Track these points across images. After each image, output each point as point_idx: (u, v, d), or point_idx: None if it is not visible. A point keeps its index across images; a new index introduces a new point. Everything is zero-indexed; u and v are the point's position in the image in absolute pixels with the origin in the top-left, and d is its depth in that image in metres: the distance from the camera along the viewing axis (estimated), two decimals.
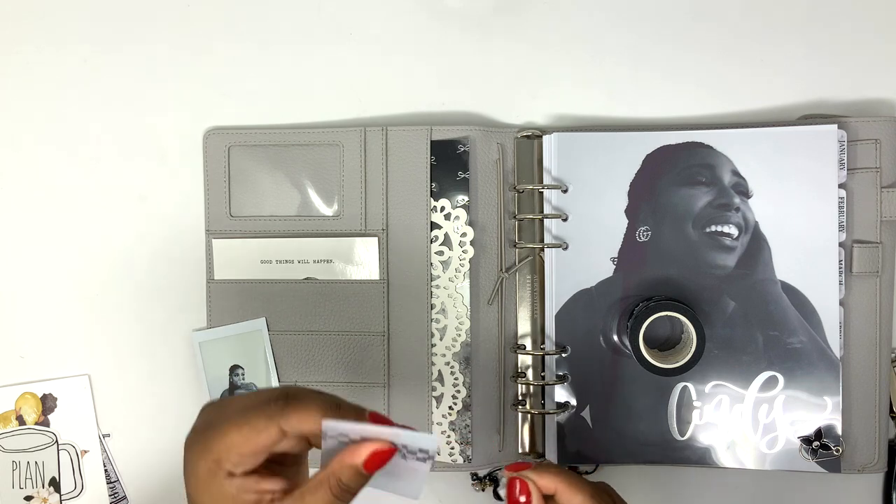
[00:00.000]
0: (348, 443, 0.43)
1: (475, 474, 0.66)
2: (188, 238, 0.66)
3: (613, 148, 0.62)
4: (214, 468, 0.42)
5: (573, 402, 0.62)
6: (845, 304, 0.61)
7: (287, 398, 0.43)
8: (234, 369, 0.64)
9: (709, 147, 0.61)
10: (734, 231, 0.61)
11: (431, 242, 0.63)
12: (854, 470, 0.62)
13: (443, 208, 0.63)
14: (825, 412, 0.61)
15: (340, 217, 0.64)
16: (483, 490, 0.65)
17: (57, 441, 0.66)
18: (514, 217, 0.64)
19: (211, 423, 0.44)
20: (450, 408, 0.63)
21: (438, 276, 0.63)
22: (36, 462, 0.66)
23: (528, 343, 0.64)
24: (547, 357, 0.63)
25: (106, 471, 0.66)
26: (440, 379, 0.63)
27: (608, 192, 0.62)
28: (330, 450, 0.43)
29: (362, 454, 0.43)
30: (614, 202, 0.62)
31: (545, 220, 0.63)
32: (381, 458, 0.43)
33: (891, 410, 0.63)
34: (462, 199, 0.63)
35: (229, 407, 0.44)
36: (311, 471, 0.46)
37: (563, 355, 0.62)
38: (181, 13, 0.67)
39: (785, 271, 0.61)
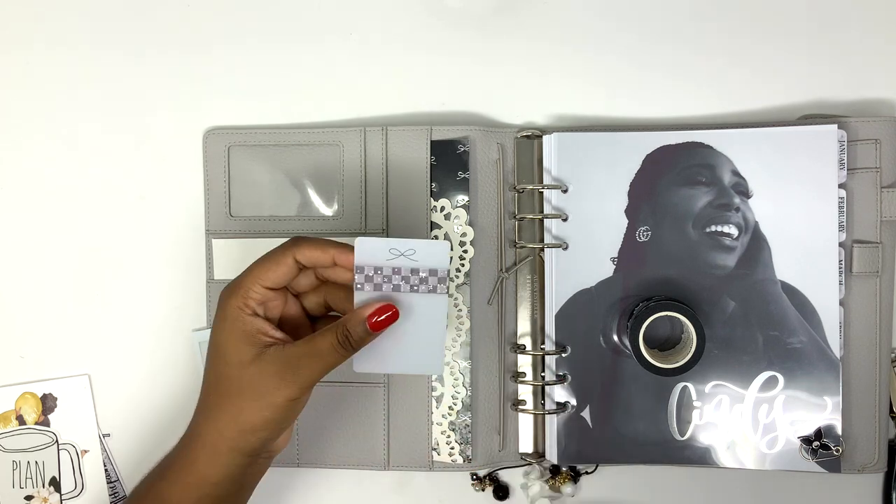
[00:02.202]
0: (371, 288, 0.52)
1: (475, 474, 0.66)
2: (188, 238, 0.66)
3: (613, 148, 0.62)
4: (242, 304, 0.51)
5: (573, 402, 0.62)
6: (845, 304, 0.61)
7: (298, 238, 0.52)
8: None
9: (709, 147, 0.61)
10: (734, 231, 0.61)
11: None
12: (854, 470, 0.62)
13: (443, 208, 0.63)
14: (825, 412, 0.61)
15: (340, 217, 0.64)
16: (483, 490, 0.65)
17: (57, 441, 0.66)
18: (514, 217, 0.64)
19: (242, 271, 0.53)
20: (450, 408, 0.63)
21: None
22: (36, 462, 0.66)
23: (527, 343, 0.64)
24: (547, 357, 0.63)
25: (106, 471, 0.66)
26: (440, 379, 0.63)
27: (608, 192, 0.62)
28: (360, 298, 0.52)
29: (370, 309, 0.51)
30: (614, 202, 0.62)
31: (545, 220, 0.63)
32: (386, 321, 0.51)
33: (891, 410, 0.63)
34: (462, 199, 0.63)
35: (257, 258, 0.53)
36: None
37: (563, 355, 0.62)
38: (181, 13, 0.67)
39: (785, 271, 0.61)
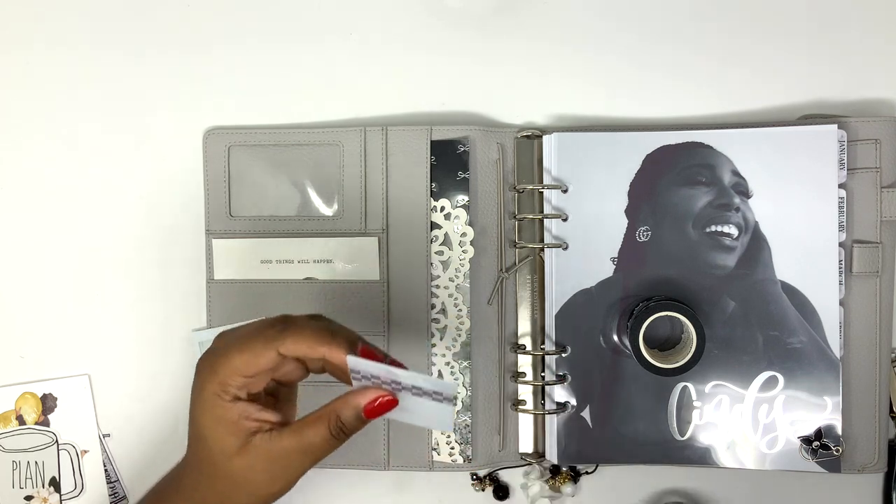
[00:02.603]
0: (370, 384, 0.46)
1: (475, 474, 0.66)
2: (188, 238, 0.66)
3: (613, 148, 0.62)
4: (220, 391, 0.46)
5: (573, 402, 0.62)
6: (845, 304, 0.61)
7: (285, 323, 0.47)
8: None
9: (709, 147, 0.61)
10: (734, 231, 0.61)
11: (431, 242, 0.63)
12: (854, 470, 0.62)
13: (443, 208, 0.63)
14: (825, 412, 0.61)
15: (340, 217, 0.64)
16: (483, 490, 0.65)
17: (57, 441, 0.66)
18: (514, 217, 0.64)
19: (217, 348, 0.48)
20: None
21: (438, 276, 0.63)
22: (36, 462, 0.66)
23: (528, 343, 0.64)
24: (547, 357, 0.63)
25: (106, 471, 0.66)
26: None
27: (608, 192, 0.62)
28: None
29: (366, 398, 0.46)
30: (614, 202, 0.62)
31: (545, 220, 0.63)
32: (382, 408, 0.46)
33: (891, 410, 0.63)
34: (462, 199, 0.63)
35: (235, 333, 0.48)
36: None
37: (563, 355, 0.62)
38: (181, 13, 0.67)
39: (785, 271, 0.61)
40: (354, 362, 0.45)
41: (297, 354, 0.46)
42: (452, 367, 0.63)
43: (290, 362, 0.47)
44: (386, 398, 0.46)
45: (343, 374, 0.47)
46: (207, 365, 0.47)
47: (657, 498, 0.63)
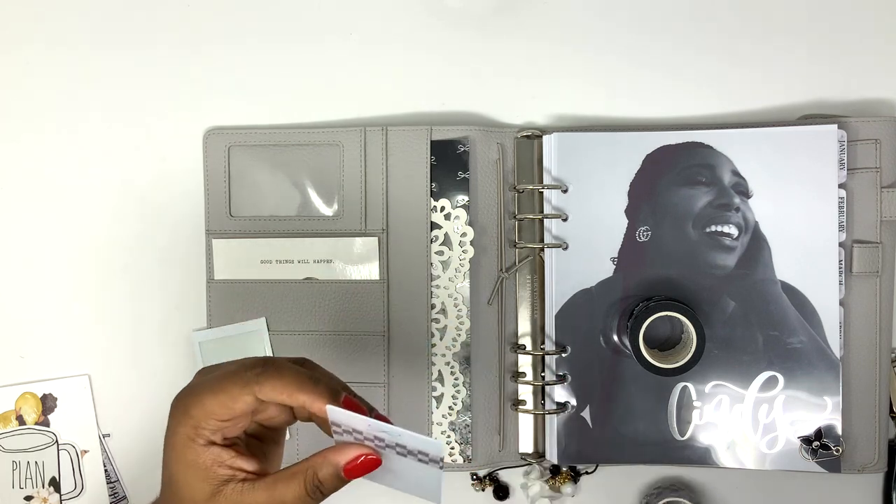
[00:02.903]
0: (352, 439, 0.42)
1: (475, 474, 0.66)
2: (188, 238, 0.66)
3: (613, 148, 0.62)
4: (193, 434, 0.43)
5: (573, 402, 0.62)
6: (845, 304, 0.61)
7: (265, 366, 0.43)
8: None
9: (709, 147, 0.61)
10: (734, 231, 0.61)
11: (431, 242, 0.63)
12: (854, 470, 0.62)
13: (443, 208, 0.63)
14: (825, 412, 0.61)
15: (340, 217, 0.64)
16: (483, 490, 0.65)
17: (57, 441, 0.66)
18: (514, 217, 0.64)
19: (193, 386, 0.44)
20: (450, 408, 0.63)
21: (438, 276, 0.63)
22: (36, 462, 0.66)
23: (528, 343, 0.64)
24: (547, 357, 0.63)
25: (106, 471, 0.66)
26: (440, 379, 0.63)
27: (608, 192, 0.62)
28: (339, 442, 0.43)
29: (346, 456, 0.42)
30: (614, 202, 0.62)
31: (545, 220, 0.63)
32: (364, 467, 0.43)
33: (891, 410, 0.63)
34: (462, 199, 0.63)
35: (213, 373, 0.44)
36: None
37: (563, 355, 0.62)
38: (181, 13, 0.67)
39: (785, 271, 0.61)
40: (334, 413, 0.41)
41: (276, 400, 0.43)
42: (452, 366, 0.63)
43: (273, 407, 0.44)
44: (369, 457, 0.43)
45: (325, 425, 0.43)
46: (181, 405, 0.44)
47: (657, 496, 0.63)
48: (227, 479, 0.43)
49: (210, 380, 0.44)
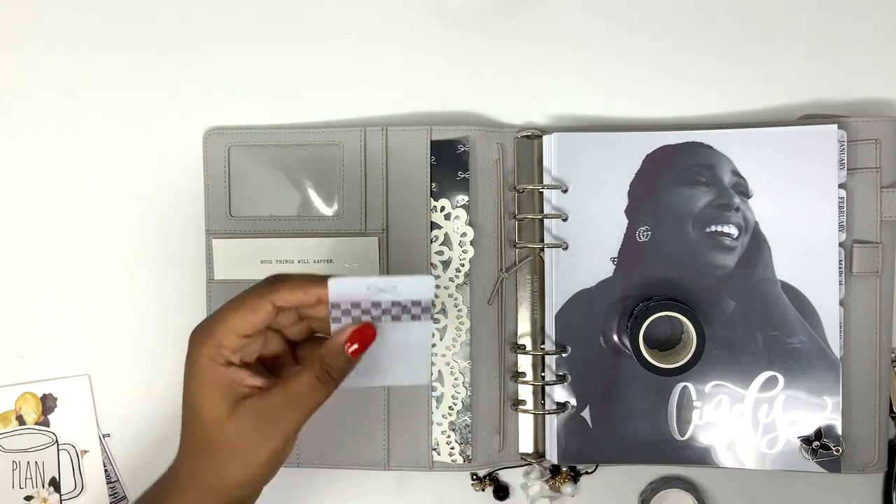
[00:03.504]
0: (350, 320, 0.47)
1: (475, 474, 0.66)
2: (188, 238, 0.66)
3: (613, 148, 0.62)
4: (215, 354, 0.46)
5: (573, 402, 0.62)
6: (845, 305, 0.61)
7: (276, 277, 0.48)
8: None
9: (709, 147, 0.61)
10: (734, 231, 0.61)
11: (431, 242, 0.63)
12: (854, 470, 0.62)
13: (443, 208, 0.63)
14: (825, 412, 0.61)
15: (340, 217, 0.64)
16: (483, 490, 0.65)
17: (57, 441, 0.66)
18: (514, 217, 0.64)
19: (212, 315, 0.48)
20: (450, 408, 0.63)
21: (438, 276, 0.63)
22: (36, 462, 0.66)
23: (528, 343, 0.64)
24: (547, 357, 0.63)
25: (106, 471, 0.66)
26: (440, 379, 0.63)
27: (608, 192, 0.62)
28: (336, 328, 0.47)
29: (344, 334, 0.47)
30: (614, 202, 0.62)
31: (545, 220, 0.63)
32: (362, 336, 0.47)
33: (891, 410, 0.63)
34: (462, 199, 0.63)
35: (229, 300, 0.48)
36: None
37: (563, 355, 0.62)
38: (181, 13, 0.67)
39: (785, 271, 0.61)
40: (336, 285, 0.46)
41: (292, 302, 0.47)
42: (452, 367, 0.63)
43: (287, 315, 0.49)
44: (363, 327, 0.47)
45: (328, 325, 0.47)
46: (203, 330, 0.47)
47: (652, 491, 0.63)
48: (245, 395, 0.47)
49: (228, 302, 0.48)
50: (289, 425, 0.47)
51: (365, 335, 0.47)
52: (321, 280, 0.47)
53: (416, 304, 0.47)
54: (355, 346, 0.47)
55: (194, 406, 0.47)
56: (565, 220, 0.62)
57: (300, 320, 0.50)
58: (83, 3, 0.67)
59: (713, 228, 0.61)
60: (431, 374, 0.51)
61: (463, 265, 0.63)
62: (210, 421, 0.46)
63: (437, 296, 0.50)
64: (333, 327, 0.47)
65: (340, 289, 0.46)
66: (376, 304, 0.47)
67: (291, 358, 0.51)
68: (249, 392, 0.47)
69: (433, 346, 0.63)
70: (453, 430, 0.63)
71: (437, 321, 0.62)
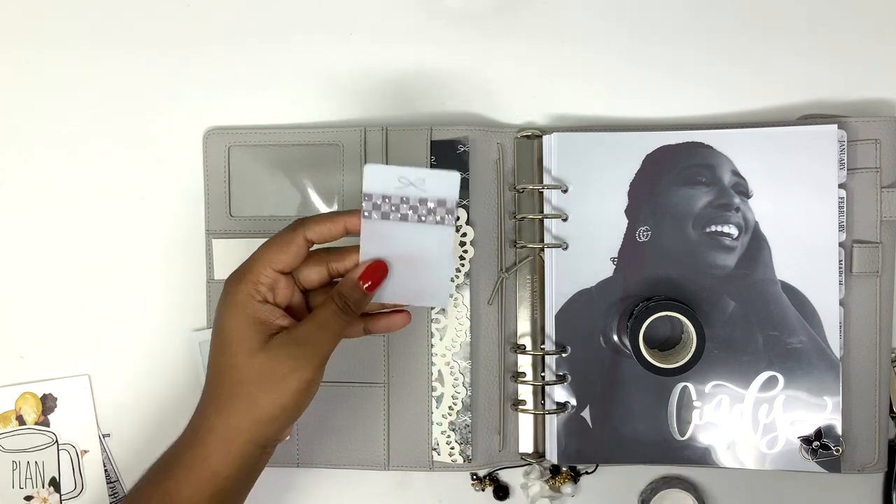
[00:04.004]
0: (378, 215, 0.50)
1: (475, 474, 0.66)
2: (188, 238, 0.66)
3: (613, 148, 0.62)
4: (253, 291, 0.50)
5: (573, 402, 0.62)
6: (845, 304, 0.61)
7: (303, 218, 0.52)
8: None
9: (709, 147, 0.61)
10: (734, 231, 0.61)
11: None
12: (854, 470, 0.62)
13: None
14: (825, 412, 0.61)
15: None
16: (483, 490, 0.65)
17: (57, 441, 0.66)
18: (514, 217, 0.64)
19: (248, 258, 0.51)
20: (450, 408, 0.63)
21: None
22: (36, 462, 0.66)
23: (528, 343, 0.64)
24: (547, 357, 0.63)
25: (106, 471, 0.66)
26: (440, 379, 0.63)
27: (608, 192, 0.62)
28: (367, 227, 0.50)
29: (357, 270, 0.50)
30: (614, 202, 0.62)
31: (545, 220, 0.63)
32: (375, 272, 0.51)
33: (891, 410, 0.63)
34: (462, 199, 0.63)
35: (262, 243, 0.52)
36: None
37: (563, 355, 0.62)
38: (181, 13, 0.67)
39: (785, 271, 0.61)
40: (371, 169, 0.49)
41: (322, 234, 0.51)
42: (452, 367, 0.63)
43: (318, 271, 0.52)
44: (375, 263, 0.51)
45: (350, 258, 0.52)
46: (237, 273, 0.51)
47: (651, 492, 0.63)
48: (276, 330, 0.50)
49: (263, 243, 0.51)
50: (319, 351, 0.49)
51: (378, 272, 0.51)
52: (346, 212, 0.51)
53: (441, 203, 0.50)
54: (368, 283, 0.50)
55: (226, 339, 0.50)
56: (565, 220, 0.62)
57: (329, 278, 0.53)
58: (83, 3, 0.67)
59: (713, 228, 0.61)
60: (451, 295, 0.55)
61: (463, 265, 0.63)
62: (242, 352, 0.49)
63: (457, 203, 0.54)
64: (363, 226, 0.50)
65: (375, 175, 0.50)
66: (405, 200, 0.50)
67: (307, 311, 0.54)
68: (279, 329, 0.50)
69: (433, 346, 0.63)
70: (453, 429, 0.63)
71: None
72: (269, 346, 0.49)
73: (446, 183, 0.50)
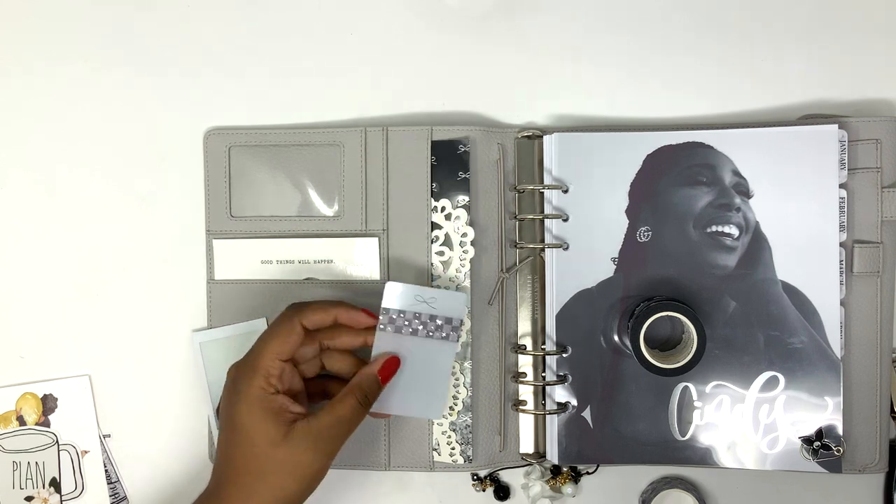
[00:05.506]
0: (392, 329, 0.57)
1: (476, 474, 0.66)
2: (188, 238, 0.66)
3: (614, 148, 0.62)
4: (266, 385, 0.53)
5: (574, 402, 0.62)
6: (846, 304, 0.61)
7: (299, 304, 0.57)
8: None
9: (709, 147, 0.61)
10: (735, 231, 0.61)
11: (432, 242, 0.63)
12: (855, 470, 0.62)
13: (443, 208, 0.63)
14: (826, 412, 0.61)
15: (341, 217, 0.64)
16: (484, 490, 0.65)
17: (57, 441, 0.66)
18: (515, 217, 0.64)
19: (249, 351, 0.55)
20: (450, 408, 0.63)
21: (439, 277, 0.63)
22: (36, 462, 0.66)
23: (528, 343, 0.64)
24: (547, 357, 0.63)
25: (106, 471, 0.66)
26: None
27: (609, 193, 0.62)
28: (381, 338, 0.57)
29: (377, 365, 0.56)
30: (615, 202, 0.62)
31: (546, 220, 0.63)
32: (391, 366, 0.56)
33: (892, 410, 0.63)
34: (462, 199, 0.63)
35: (259, 338, 0.56)
36: None
37: (564, 355, 0.62)
38: (181, 13, 0.67)
39: (785, 271, 0.61)
40: (391, 287, 0.57)
41: (316, 322, 0.56)
42: (453, 367, 0.63)
43: (311, 345, 0.57)
44: (391, 358, 0.56)
45: (348, 339, 0.57)
46: (246, 367, 0.54)
47: (653, 492, 0.63)
48: (293, 419, 0.53)
49: (261, 336, 0.55)
50: (338, 444, 0.54)
51: (393, 366, 0.57)
52: (336, 303, 0.57)
53: (448, 321, 0.57)
54: (381, 375, 0.56)
55: (244, 431, 0.52)
56: (566, 220, 0.62)
57: (321, 352, 0.58)
58: (83, 4, 0.67)
59: (714, 228, 0.61)
60: (443, 411, 0.61)
61: (463, 265, 0.63)
62: (264, 446, 0.52)
63: (463, 322, 0.59)
64: (377, 337, 0.57)
65: (393, 292, 0.57)
66: (417, 315, 0.57)
67: (305, 395, 0.58)
68: (294, 417, 0.53)
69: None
70: (454, 430, 0.63)
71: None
72: (291, 438, 0.52)
73: (455, 302, 0.57)
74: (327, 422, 0.53)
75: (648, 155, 0.62)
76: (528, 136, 0.64)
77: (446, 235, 0.63)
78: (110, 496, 0.66)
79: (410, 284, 0.57)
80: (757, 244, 0.61)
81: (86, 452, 0.66)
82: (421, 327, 0.57)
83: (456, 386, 0.63)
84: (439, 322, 0.57)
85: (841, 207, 0.61)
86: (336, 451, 0.53)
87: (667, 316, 0.59)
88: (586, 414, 0.62)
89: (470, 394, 0.63)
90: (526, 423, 0.64)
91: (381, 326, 0.57)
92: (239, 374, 0.54)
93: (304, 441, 0.52)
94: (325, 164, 0.64)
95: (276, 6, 0.67)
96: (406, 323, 0.57)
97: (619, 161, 0.62)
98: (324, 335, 0.57)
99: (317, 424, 0.53)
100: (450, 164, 0.63)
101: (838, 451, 0.60)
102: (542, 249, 0.63)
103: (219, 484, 0.53)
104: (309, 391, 0.58)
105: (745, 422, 0.61)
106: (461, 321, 0.57)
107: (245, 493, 0.52)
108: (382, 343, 0.57)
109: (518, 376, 0.64)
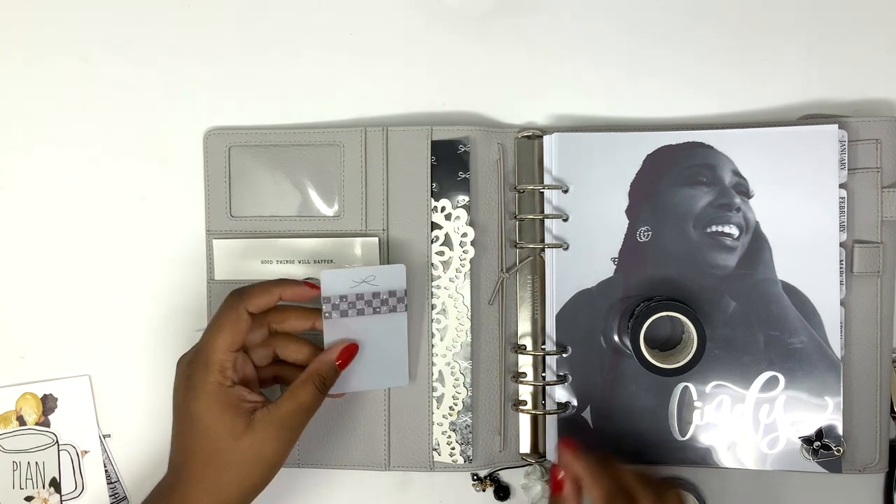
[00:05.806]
0: (338, 314, 0.57)
1: (476, 475, 0.66)
2: (188, 238, 0.66)
3: (614, 148, 0.62)
4: (221, 378, 0.53)
5: (574, 402, 0.62)
6: (846, 304, 0.61)
7: (239, 290, 0.56)
8: None
9: (709, 147, 0.61)
10: (735, 231, 0.61)
11: (432, 243, 0.63)
12: (855, 470, 0.62)
13: (443, 208, 0.63)
14: (826, 412, 0.61)
15: (341, 217, 0.64)
16: (484, 490, 0.65)
17: (57, 441, 0.66)
18: (515, 217, 0.64)
19: (197, 346, 0.54)
20: (450, 408, 0.63)
21: (439, 277, 0.63)
22: (36, 462, 0.66)
23: (528, 343, 0.64)
24: (547, 357, 0.63)
25: (106, 471, 0.66)
26: (440, 379, 0.63)
27: (609, 193, 0.62)
28: (329, 326, 0.57)
29: (335, 352, 0.56)
30: (615, 202, 0.62)
31: (546, 220, 0.63)
32: (349, 353, 0.57)
33: (892, 410, 0.63)
34: (462, 199, 0.63)
35: (204, 333, 0.55)
36: None
37: (564, 355, 0.62)
38: (181, 13, 0.67)
39: (786, 271, 0.61)
40: (327, 275, 0.56)
41: (260, 305, 0.55)
42: (453, 367, 0.63)
43: (259, 330, 0.57)
44: (349, 345, 0.57)
45: (296, 322, 0.58)
46: (199, 362, 0.53)
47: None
48: (252, 409, 0.53)
49: (208, 327, 0.54)
50: (298, 431, 0.54)
51: (351, 352, 0.57)
52: (277, 282, 0.56)
53: (392, 294, 0.58)
54: (340, 361, 0.56)
55: (202, 425, 0.52)
56: (566, 220, 0.62)
57: (270, 336, 0.58)
58: (83, 4, 0.67)
59: (714, 228, 0.61)
60: (409, 374, 0.61)
61: (463, 265, 0.63)
62: (225, 439, 0.52)
63: (406, 292, 0.59)
64: (325, 326, 0.57)
65: (329, 280, 0.56)
66: (360, 296, 0.57)
67: (256, 382, 0.58)
68: (253, 407, 0.53)
69: (433, 346, 0.63)
70: (454, 430, 0.63)
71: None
72: (253, 429, 0.52)
73: (394, 275, 0.58)
74: (287, 409, 0.53)
75: (648, 155, 0.62)
76: (528, 136, 0.64)
77: (446, 235, 0.63)
78: (110, 496, 0.66)
79: (346, 269, 0.58)
80: (757, 244, 0.61)
81: (86, 452, 0.66)
82: (366, 306, 0.57)
83: (456, 386, 0.63)
84: (384, 297, 0.58)
85: (841, 207, 0.61)
86: (296, 438, 0.54)
87: (667, 316, 0.59)
88: (586, 414, 0.62)
89: (470, 394, 0.63)
90: (526, 423, 0.64)
91: (327, 315, 0.57)
92: (192, 370, 0.53)
93: (267, 430, 0.52)
94: (325, 164, 0.64)
95: (277, 6, 0.67)
96: (350, 306, 0.57)
97: (619, 161, 0.62)
98: (271, 318, 0.57)
99: (277, 413, 0.53)
100: (450, 164, 0.63)
101: (838, 451, 0.60)
102: (542, 249, 0.63)
103: (180, 477, 0.53)
104: (260, 377, 0.58)
105: (745, 422, 0.61)
106: (405, 291, 0.58)
107: (211, 485, 0.52)
108: (332, 330, 0.57)
109: (518, 376, 0.64)
